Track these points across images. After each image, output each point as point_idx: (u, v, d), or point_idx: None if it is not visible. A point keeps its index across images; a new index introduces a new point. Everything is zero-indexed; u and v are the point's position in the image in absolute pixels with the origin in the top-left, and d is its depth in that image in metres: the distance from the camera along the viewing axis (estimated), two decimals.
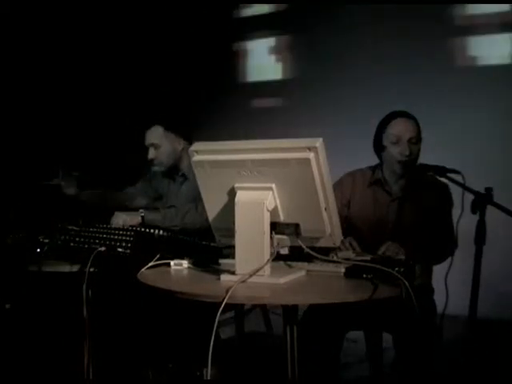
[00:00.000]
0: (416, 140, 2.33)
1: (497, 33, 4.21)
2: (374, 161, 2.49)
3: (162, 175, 2.90)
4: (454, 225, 2.10)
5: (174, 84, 5.30)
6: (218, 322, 1.50)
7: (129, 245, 2.16)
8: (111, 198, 2.98)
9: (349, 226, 2.35)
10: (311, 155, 1.60)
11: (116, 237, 2.22)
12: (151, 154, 2.78)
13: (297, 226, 1.71)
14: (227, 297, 1.49)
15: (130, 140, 2.94)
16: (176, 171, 2.84)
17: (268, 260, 1.67)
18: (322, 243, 1.73)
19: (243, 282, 1.62)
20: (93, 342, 2.31)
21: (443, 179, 2.15)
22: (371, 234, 2.32)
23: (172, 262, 1.97)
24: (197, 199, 2.55)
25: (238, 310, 2.85)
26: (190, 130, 2.85)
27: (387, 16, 4.45)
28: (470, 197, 1.90)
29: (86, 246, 2.26)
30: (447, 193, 2.36)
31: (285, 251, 1.82)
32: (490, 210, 1.87)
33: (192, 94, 5.27)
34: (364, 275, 1.71)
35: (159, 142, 2.76)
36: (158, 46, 5.31)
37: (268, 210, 1.67)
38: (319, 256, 1.76)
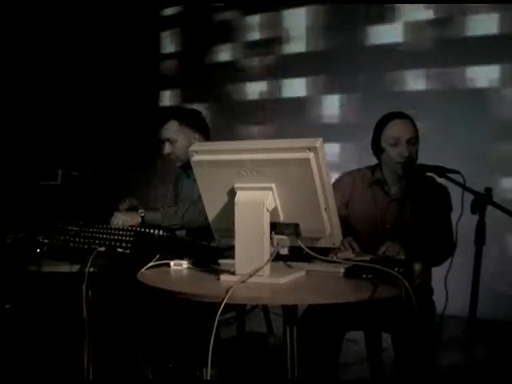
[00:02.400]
0: (414, 140, 2.33)
1: None
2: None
3: (185, 174, 2.86)
4: (454, 225, 2.10)
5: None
6: (219, 321, 1.50)
7: (129, 245, 2.16)
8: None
9: (347, 226, 2.35)
10: (311, 155, 1.60)
11: (116, 237, 2.22)
12: (167, 148, 2.76)
13: (296, 226, 1.71)
14: (227, 297, 1.49)
15: (130, 140, 2.94)
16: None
17: (268, 260, 1.67)
18: (321, 243, 1.73)
19: (243, 282, 1.63)
20: (93, 342, 2.31)
21: (442, 180, 2.15)
22: (369, 235, 2.32)
23: (172, 263, 1.97)
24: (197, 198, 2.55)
25: (239, 310, 2.85)
26: (206, 125, 2.84)
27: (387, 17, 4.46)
28: (469, 197, 1.90)
29: (86, 246, 2.26)
30: (446, 195, 2.35)
31: (284, 251, 1.83)
32: (490, 210, 1.87)
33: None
34: (364, 275, 1.71)
35: (175, 136, 2.74)
36: (156, 48, 5.32)
37: (268, 210, 1.67)
38: (319, 256, 1.76)
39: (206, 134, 2.79)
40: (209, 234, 1.93)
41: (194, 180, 2.74)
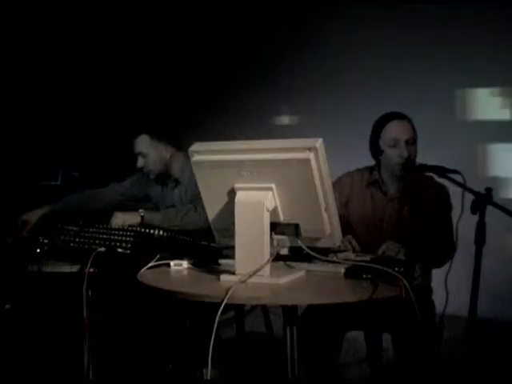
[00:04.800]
0: (413, 140, 2.33)
1: None
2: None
3: (154, 181, 2.93)
4: (454, 225, 2.09)
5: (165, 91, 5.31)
6: (219, 322, 1.50)
7: (129, 245, 2.16)
8: (94, 198, 2.98)
9: (347, 225, 2.35)
10: (311, 155, 1.60)
11: (116, 237, 2.22)
12: (140, 162, 2.84)
13: (297, 226, 1.71)
14: (227, 297, 1.49)
15: (129, 141, 2.95)
16: (168, 176, 2.87)
17: (268, 260, 1.67)
18: (321, 243, 1.74)
19: (243, 282, 1.63)
20: (93, 342, 2.31)
21: (442, 180, 2.14)
22: (368, 234, 2.33)
23: (172, 263, 1.98)
24: (196, 200, 2.56)
25: (238, 310, 2.86)
26: (179, 137, 2.89)
27: (388, 19, 4.46)
28: (470, 197, 1.90)
29: (86, 246, 2.26)
30: (445, 194, 2.35)
31: (285, 251, 1.83)
32: (490, 210, 1.87)
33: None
34: (364, 275, 1.71)
35: (146, 150, 2.81)
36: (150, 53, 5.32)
37: (268, 211, 1.67)
38: (319, 256, 1.76)
39: (179, 146, 2.82)
40: (209, 235, 1.93)
41: (173, 188, 2.85)
